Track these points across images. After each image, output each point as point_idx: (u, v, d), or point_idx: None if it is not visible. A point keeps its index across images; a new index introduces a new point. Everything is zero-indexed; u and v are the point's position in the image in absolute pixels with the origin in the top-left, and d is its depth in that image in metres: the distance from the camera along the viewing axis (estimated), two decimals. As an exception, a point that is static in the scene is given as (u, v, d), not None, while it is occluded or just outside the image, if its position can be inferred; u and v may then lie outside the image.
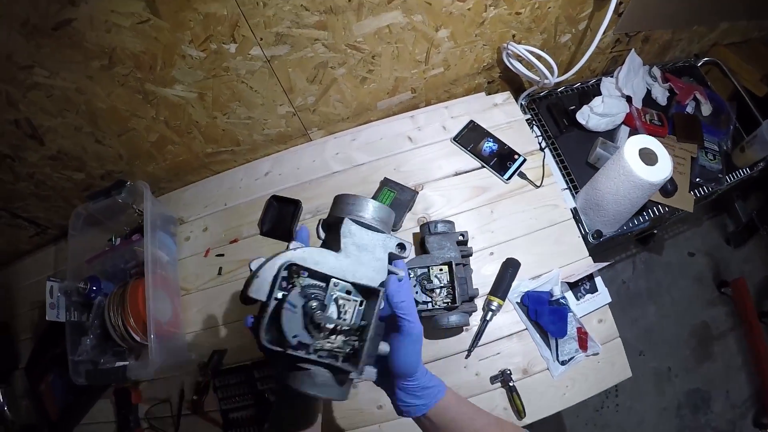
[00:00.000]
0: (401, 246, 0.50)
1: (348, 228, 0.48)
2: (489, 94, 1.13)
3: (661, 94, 1.18)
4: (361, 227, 0.49)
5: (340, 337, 0.44)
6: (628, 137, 0.90)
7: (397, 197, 0.95)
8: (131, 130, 0.88)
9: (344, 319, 0.45)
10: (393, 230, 0.96)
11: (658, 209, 1.05)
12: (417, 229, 0.96)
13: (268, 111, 0.94)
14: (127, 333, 0.81)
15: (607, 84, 1.14)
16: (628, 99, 1.12)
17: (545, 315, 0.86)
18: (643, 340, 1.84)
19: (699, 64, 1.30)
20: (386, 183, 0.97)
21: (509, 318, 0.90)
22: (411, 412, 0.49)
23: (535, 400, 0.84)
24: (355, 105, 1.04)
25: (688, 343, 1.87)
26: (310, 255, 0.45)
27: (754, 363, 1.81)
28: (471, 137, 1.03)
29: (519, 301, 0.90)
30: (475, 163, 1.02)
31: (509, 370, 0.86)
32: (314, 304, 0.43)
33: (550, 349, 0.87)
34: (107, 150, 0.91)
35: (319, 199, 1.01)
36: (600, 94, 1.12)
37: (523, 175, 1.00)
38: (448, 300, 0.79)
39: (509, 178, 0.99)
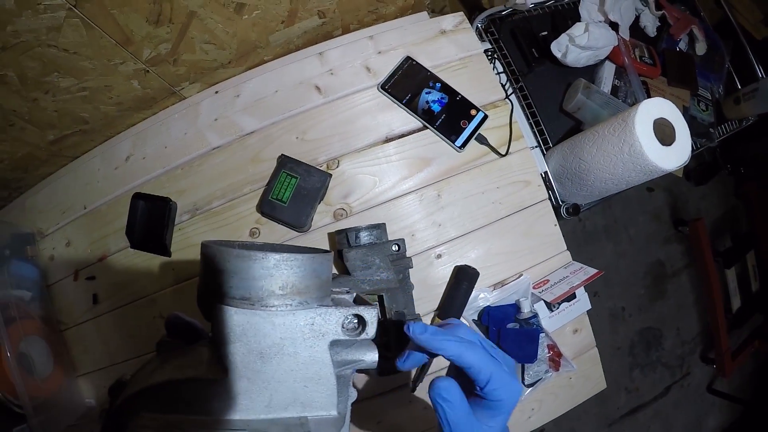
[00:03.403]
0: (357, 322, 0.26)
1: (227, 324, 0.24)
2: (434, 14, 0.78)
3: (651, 23, 0.94)
4: (256, 311, 0.24)
5: None
6: (638, 90, 0.63)
7: (301, 185, 0.63)
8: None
9: None
10: (300, 231, 0.66)
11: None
12: (333, 227, 0.67)
13: (106, 74, 0.64)
14: (8, 400, 0.64)
15: (588, 4, 0.87)
16: (613, 26, 0.86)
17: (510, 338, 0.63)
18: (598, 281, 1.80)
19: (691, -12, 1.05)
20: (284, 163, 0.64)
21: (464, 341, 0.67)
22: None
23: None
24: (236, 44, 0.69)
25: (642, 281, 1.86)
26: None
27: (706, 300, 1.82)
28: (407, 83, 0.70)
29: (476, 318, 0.66)
30: (415, 122, 0.71)
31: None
32: None
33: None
34: None
35: (196, 193, 0.71)
36: (578, 17, 0.86)
37: (483, 140, 0.70)
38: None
39: (463, 144, 0.69)
